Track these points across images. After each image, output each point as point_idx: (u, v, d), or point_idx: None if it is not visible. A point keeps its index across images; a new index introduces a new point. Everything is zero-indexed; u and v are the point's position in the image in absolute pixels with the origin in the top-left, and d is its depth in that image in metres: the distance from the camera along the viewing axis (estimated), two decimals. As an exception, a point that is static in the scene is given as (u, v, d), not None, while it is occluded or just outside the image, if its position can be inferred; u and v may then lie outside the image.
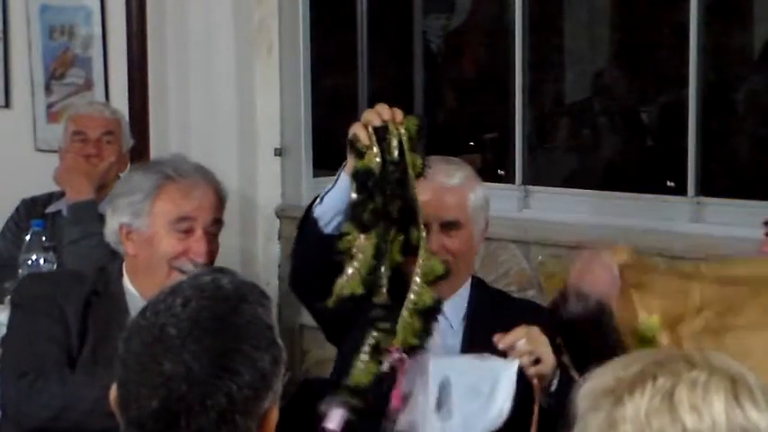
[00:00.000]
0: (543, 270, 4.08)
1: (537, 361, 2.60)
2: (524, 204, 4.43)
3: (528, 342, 2.60)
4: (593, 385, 1.57)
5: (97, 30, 5.05)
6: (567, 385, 2.55)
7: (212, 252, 2.90)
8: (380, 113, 2.57)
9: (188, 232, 2.85)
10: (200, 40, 4.80)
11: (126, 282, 2.90)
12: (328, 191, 2.68)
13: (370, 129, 2.57)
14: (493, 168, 4.72)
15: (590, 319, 2.81)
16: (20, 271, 3.75)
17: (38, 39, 5.25)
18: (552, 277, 4.06)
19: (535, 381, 2.60)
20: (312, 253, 2.68)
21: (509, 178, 4.51)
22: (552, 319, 2.84)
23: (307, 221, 2.71)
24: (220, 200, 2.95)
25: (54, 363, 2.77)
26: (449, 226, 2.84)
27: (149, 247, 2.85)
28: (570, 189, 4.43)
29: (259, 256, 4.75)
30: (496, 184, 4.46)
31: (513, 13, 4.50)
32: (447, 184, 2.87)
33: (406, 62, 5.07)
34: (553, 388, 2.63)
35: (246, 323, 1.67)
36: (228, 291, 1.70)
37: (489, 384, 2.57)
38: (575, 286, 2.82)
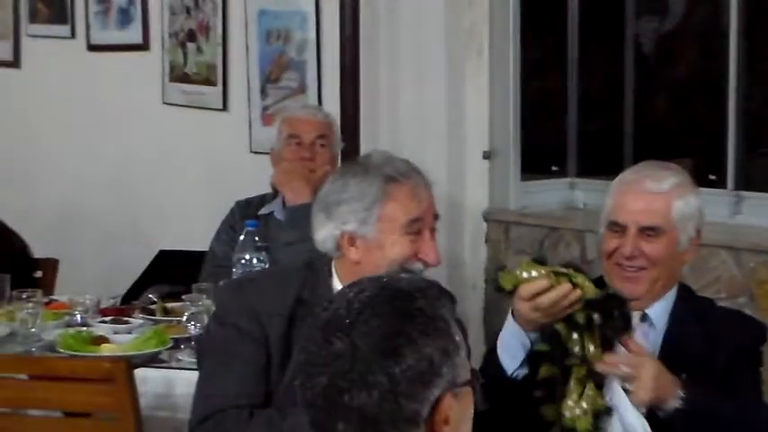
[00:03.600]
0: (755, 277, 4.00)
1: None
2: (736, 210, 4.34)
3: (626, 364, 2.69)
4: None
5: (312, 34, 5.15)
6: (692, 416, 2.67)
7: (437, 250, 2.86)
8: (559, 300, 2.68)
9: (417, 234, 2.81)
10: (412, 43, 4.84)
11: (336, 283, 2.86)
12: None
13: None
14: (704, 173, 4.63)
15: None
16: (234, 270, 3.85)
17: (255, 43, 5.37)
18: (764, 284, 3.97)
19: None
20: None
21: (721, 183, 4.42)
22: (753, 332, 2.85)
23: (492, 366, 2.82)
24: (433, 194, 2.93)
25: (238, 403, 2.76)
26: (648, 231, 2.87)
27: (377, 253, 2.80)
28: (785, 194, 4.32)
29: (466, 258, 4.76)
30: (708, 189, 4.39)
31: (727, 15, 4.42)
32: (653, 189, 2.90)
33: (616, 65, 5.02)
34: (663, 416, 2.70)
35: (417, 310, 1.71)
36: (405, 284, 1.75)
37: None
38: None
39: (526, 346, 2.78)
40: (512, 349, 2.80)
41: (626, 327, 2.73)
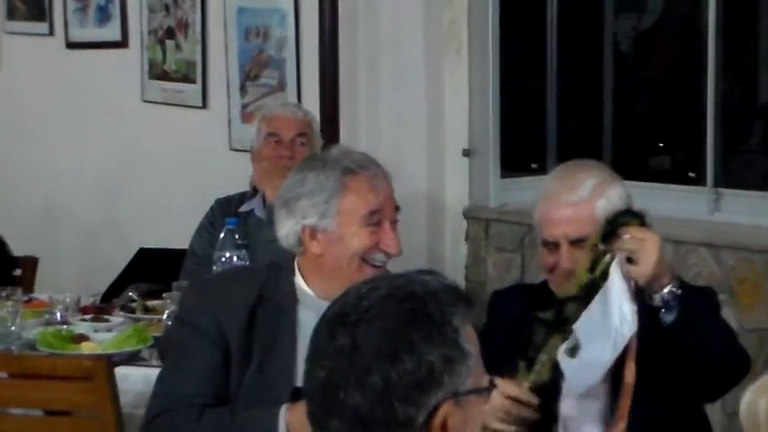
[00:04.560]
0: (734, 274, 4.01)
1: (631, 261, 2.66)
2: (715, 207, 4.36)
3: (632, 241, 2.66)
4: None
5: (291, 32, 5.15)
6: (687, 305, 2.67)
7: (398, 241, 2.86)
8: None
9: (377, 225, 2.82)
10: (391, 41, 4.85)
11: (299, 281, 2.88)
12: None
13: None
14: (683, 170, 4.65)
15: None
16: (214, 268, 3.85)
17: (234, 40, 5.37)
18: (744, 282, 3.99)
19: (632, 281, 2.66)
20: None
21: (700, 180, 4.44)
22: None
23: None
24: (392, 186, 2.92)
25: (191, 402, 2.79)
26: (580, 241, 2.83)
27: (338, 245, 2.82)
28: (764, 192, 4.33)
29: (446, 256, 4.77)
30: (687, 186, 4.40)
31: (706, 12, 4.43)
32: (572, 200, 2.87)
33: (595, 62, 5.03)
34: (657, 302, 2.69)
35: (425, 315, 1.69)
36: (419, 286, 1.73)
37: (600, 301, 2.64)
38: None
39: None
40: None
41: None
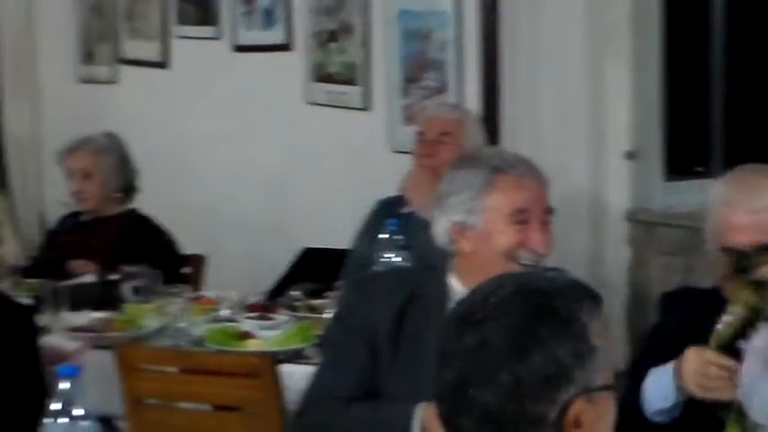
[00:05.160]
0: None
1: None
2: None
3: None
4: None
5: (452, 34, 5.17)
6: None
7: (549, 243, 2.88)
8: None
9: (524, 223, 2.83)
10: (552, 43, 4.83)
11: (453, 280, 2.91)
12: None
13: None
14: None
15: None
16: (374, 269, 3.90)
17: (396, 43, 5.41)
18: None
19: None
20: None
21: None
22: None
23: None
24: (547, 188, 2.93)
25: (339, 396, 2.86)
26: None
27: (486, 243, 2.84)
28: None
29: (607, 259, 4.74)
30: None
31: None
32: (757, 207, 2.85)
33: (762, 65, 4.94)
34: None
35: (551, 310, 1.68)
36: (545, 283, 1.73)
37: None
38: None
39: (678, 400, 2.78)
40: (663, 390, 2.78)
41: None
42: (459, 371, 1.68)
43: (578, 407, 1.66)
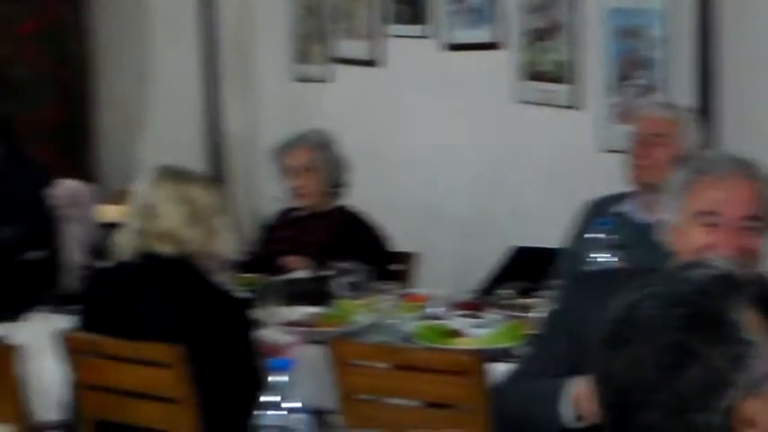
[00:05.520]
0: None
1: None
2: None
3: None
4: None
5: (663, 32, 5.10)
6: None
7: (746, 248, 2.80)
8: None
9: (712, 226, 2.81)
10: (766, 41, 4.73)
11: None
12: None
13: None
14: None
15: None
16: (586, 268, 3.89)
17: (608, 41, 5.37)
18: None
19: None
20: None
21: None
22: None
23: None
24: (760, 195, 2.86)
25: (527, 372, 2.96)
26: None
27: (684, 241, 2.84)
28: None
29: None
30: None
31: None
32: None
33: None
34: None
35: (697, 316, 1.63)
36: (686, 286, 1.67)
37: None
38: None
39: None
40: None
41: None
42: (616, 395, 1.65)
43: (747, 408, 1.61)
